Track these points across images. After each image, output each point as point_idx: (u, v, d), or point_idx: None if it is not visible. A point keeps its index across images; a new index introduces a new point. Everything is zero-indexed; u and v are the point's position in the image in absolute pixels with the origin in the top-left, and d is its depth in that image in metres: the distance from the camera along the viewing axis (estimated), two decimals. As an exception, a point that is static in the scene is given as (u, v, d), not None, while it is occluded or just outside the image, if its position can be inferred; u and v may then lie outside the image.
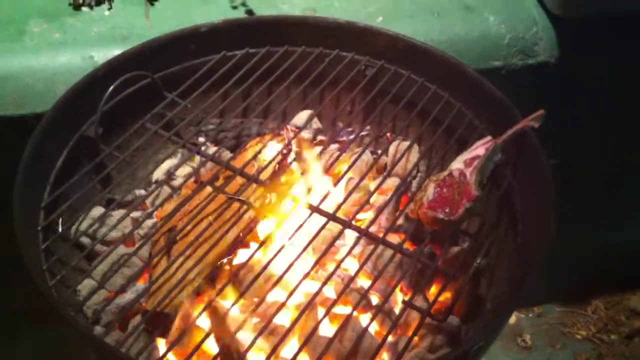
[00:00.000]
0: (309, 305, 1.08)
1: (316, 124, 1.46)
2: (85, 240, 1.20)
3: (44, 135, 1.15)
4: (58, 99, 1.19)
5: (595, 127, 1.71)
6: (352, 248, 1.14)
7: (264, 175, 1.23)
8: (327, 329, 1.19)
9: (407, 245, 1.27)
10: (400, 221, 1.29)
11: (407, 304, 1.06)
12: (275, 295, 1.18)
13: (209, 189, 1.23)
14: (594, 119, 1.70)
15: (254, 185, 1.21)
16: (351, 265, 1.31)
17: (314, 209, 1.16)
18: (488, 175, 1.19)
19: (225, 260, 1.19)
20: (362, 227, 1.17)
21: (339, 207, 1.18)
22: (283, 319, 1.18)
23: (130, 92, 1.26)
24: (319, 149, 1.38)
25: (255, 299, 1.18)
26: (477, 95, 1.29)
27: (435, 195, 1.13)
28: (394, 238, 1.26)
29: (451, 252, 1.27)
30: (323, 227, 1.15)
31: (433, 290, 1.30)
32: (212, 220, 1.16)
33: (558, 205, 1.12)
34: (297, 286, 1.09)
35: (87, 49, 1.41)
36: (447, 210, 1.11)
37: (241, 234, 1.20)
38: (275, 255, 1.12)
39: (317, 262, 1.12)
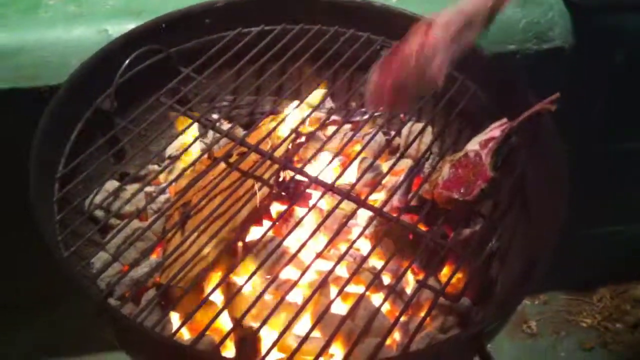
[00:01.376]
0: (322, 284, 1.09)
1: (330, 103, 1.45)
2: (99, 213, 1.20)
3: (59, 107, 1.15)
4: (74, 71, 1.18)
5: (607, 115, 1.71)
6: (365, 227, 1.14)
7: (278, 153, 1.22)
8: (339, 308, 1.19)
9: (421, 227, 1.28)
10: (413, 202, 1.29)
11: (421, 284, 1.06)
12: (288, 274, 1.19)
13: (222, 165, 1.23)
14: (607, 107, 1.69)
15: (268, 162, 1.21)
16: (363, 245, 1.31)
17: (328, 188, 1.16)
18: (502, 158, 1.18)
19: (238, 236, 1.19)
20: (376, 207, 1.17)
21: (352, 186, 1.18)
22: (296, 297, 1.19)
23: (145, 67, 1.26)
24: (332, 128, 1.38)
25: (268, 277, 1.18)
26: (492, 79, 1.29)
27: (451, 176, 1.13)
28: (407, 219, 1.26)
29: (464, 233, 1.27)
30: (337, 206, 1.15)
31: (445, 271, 1.30)
32: (226, 197, 1.16)
33: (570, 191, 1.12)
34: (310, 264, 1.09)
35: (101, 23, 1.40)
36: (462, 190, 1.11)
37: (255, 211, 1.20)
38: (289, 233, 1.12)
39: (330, 242, 1.12)
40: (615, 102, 1.71)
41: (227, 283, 1.16)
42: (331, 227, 1.22)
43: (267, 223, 1.26)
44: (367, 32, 1.39)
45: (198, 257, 1.09)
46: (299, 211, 1.28)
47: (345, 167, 1.22)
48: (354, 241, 1.12)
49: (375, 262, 1.28)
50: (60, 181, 1.13)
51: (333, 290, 1.21)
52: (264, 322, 1.03)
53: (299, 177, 1.21)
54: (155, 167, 1.33)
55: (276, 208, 1.31)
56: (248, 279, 1.07)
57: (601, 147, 1.81)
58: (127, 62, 1.19)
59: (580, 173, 1.74)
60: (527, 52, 1.56)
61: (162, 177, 1.31)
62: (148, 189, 1.27)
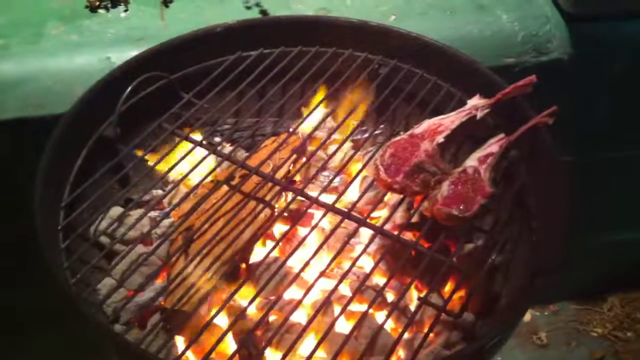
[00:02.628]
0: (325, 303, 1.10)
1: (330, 122, 1.47)
2: (104, 239, 1.22)
3: (63, 136, 1.17)
4: (77, 99, 1.20)
5: (608, 125, 1.72)
6: (367, 246, 1.15)
7: (279, 174, 1.24)
8: (344, 327, 1.20)
9: (422, 243, 1.29)
10: (414, 219, 1.30)
11: (423, 301, 1.07)
12: (292, 294, 1.20)
13: (225, 188, 1.25)
14: (607, 117, 1.70)
15: (269, 184, 1.22)
16: (366, 263, 1.32)
17: (329, 208, 1.17)
18: (502, 172, 1.19)
19: (241, 258, 1.20)
20: (377, 224, 1.18)
21: (353, 205, 1.19)
22: (300, 317, 1.20)
23: (148, 93, 1.28)
24: (334, 147, 1.40)
25: (272, 297, 1.20)
26: (490, 94, 1.30)
27: (450, 192, 1.14)
28: (408, 236, 1.28)
29: (466, 249, 1.28)
30: (338, 225, 1.17)
31: (448, 287, 1.31)
32: (228, 219, 1.18)
33: (571, 202, 1.12)
34: (313, 284, 1.10)
35: (103, 50, 1.43)
36: (461, 207, 1.12)
37: (258, 233, 1.21)
38: (291, 253, 1.13)
39: (333, 260, 1.13)
40: (616, 110, 1.72)
41: (231, 305, 1.17)
42: (334, 247, 1.24)
43: (270, 244, 1.27)
44: (364, 52, 1.41)
45: (201, 280, 1.11)
46: (302, 232, 1.30)
47: (346, 186, 1.24)
48: (356, 259, 1.13)
49: (379, 279, 1.29)
50: (65, 209, 1.15)
51: (337, 309, 1.22)
52: (267, 344, 1.04)
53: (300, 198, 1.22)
54: (159, 192, 1.35)
55: (279, 229, 1.33)
56: (251, 301, 1.08)
57: (605, 155, 1.82)
58: (129, 88, 1.20)
59: (586, 182, 1.76)
60: (525, 65, 1.58)
61: (165, 201, 1.33)
62: (152, 214, 1.28)
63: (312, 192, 1.23)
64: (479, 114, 1.24)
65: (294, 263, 1.22)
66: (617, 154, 1.82)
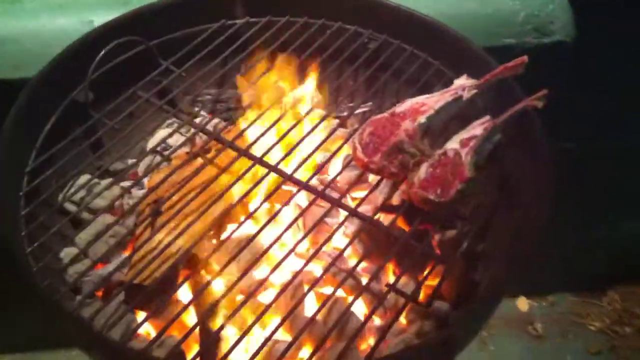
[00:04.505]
0: (291, 284, 1.06)
1: (316, 97, 1.42)
2: (71, 207, 1.18)
3: (30, 98, 1.13)
4: (48, 62, 1.16)
5: (610, 111, 1.65)
6: (339, 226, 1.11)
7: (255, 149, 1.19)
8: (313, 309, 1.16)
9: (402, 227, 1.24)
10: (396, 201, 1.25)
11: (391, 287, 1.03)
12: (264, 273, 1.16)
13: (200, 160, 1.21)
14: (610, 103, 1.63)
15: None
16: (344, 245, 1.28)
17: (302, 186, 1.13)
18: (486, 156, 1.14)
19: (211, 233, 1.16)
20: (350, 206, 1.13)
21: (328, 184, 1.15)
22: (269, 298, 1.16)
23: (125, 59, 1.24)
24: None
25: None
26: (482, 73, 1.24)
27: (428, 175, 1.09)
28: (389, 219, 1.23)
29: (446, 235, 1.24)
30: (311, 204, 1.13)
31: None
32: (198, 192, 1.14)
33: (553, 189, 1.07)
34: (280, 262, 1.06)
35: (86, 13, 1.39)
36: (438, 191, 1.07)
37: (230, 208, 1.17)
38: (260, 230, 1.09)
39: (302, 238, 1.09)
40: (617, 98, 1.65)
41: (196, 281, 1.13)
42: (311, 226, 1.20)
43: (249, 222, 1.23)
44: (354, 25, 1.35)
45: (165, 254, 1.07)
46: (283, 210, 1.25)
47: (322, 163, 1.19)
48: (326, 240, 1.09)
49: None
50: (31, 175, 1.11)
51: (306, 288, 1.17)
52: (226, 321, 1.01)
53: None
54: (133, 161, 1.31)
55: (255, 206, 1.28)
56: (215, 276, 1.04)
57: (606, 143, 1.75)
58: (102, 53, 1.16)
59: (585, 170, 1.69)
60: (525, 46, 1.51)
61: (140, 171, 1.29)
62: (124, 183, 1.25)
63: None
64: (466, 95, 1.18)
65: (268, 242, 1.18)
66: (619, 142, 1.74)
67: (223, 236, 1.21)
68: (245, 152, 1.17)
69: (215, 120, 1.32)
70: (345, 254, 1.21)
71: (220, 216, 1.15)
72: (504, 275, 1.10)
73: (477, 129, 1.13)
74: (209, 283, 1.05)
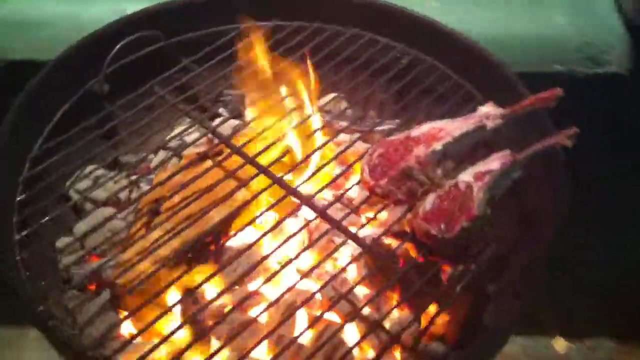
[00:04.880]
0: (278, 300, 1.01)
1: (342, 107, 1.36)
2: (75, 196, 1.17)
3: (41, 85, 1.12)
4: (63, 50, 1.16)
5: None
6: (335, 248, 1.06)
7: (263, 158, 1.15)
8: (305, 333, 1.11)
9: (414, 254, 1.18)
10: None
11: (375, 325, 0.97)
12: (261, 287, 1.12)
13: (209, 162, 1.18)
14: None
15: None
16: (352, 269, 1.22)
17: (304, 201, 1.08)
18: (501, 193, 1.06)
19: (209, 239, 1.13)
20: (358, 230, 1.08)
21: (331, 203, 1.09)
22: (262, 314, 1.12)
23: (144, 54, 1.22)
24: (344, 136, 1.30)
25: (236, 287, 1.12)
26: (514, 102, 1.16)
27: (434, 207, 1.02)
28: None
29: (456, 270, 1.16)
30: (309, 222, 1.08)
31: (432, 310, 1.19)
32: (199, 195, 1.10)
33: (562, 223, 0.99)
34: (273, 275, 1.02)
35: (121, 2, 1.38)
36: (442, 225, 1.00)
37: (231, 215, 1.13)
38: (256, 241, 1.06)
39: (298, 255, 1.05)
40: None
41: (187, 288, 1.10)
42: (319, 245, 1.15)
43: (251, 230, 1.19)
44: (386, 39, 1.29)
45: (154, 256, 1.05)
46: (289, 222, 1.21)
47: (334, 178, 1.14)
48: (323, 260, 1.04)
49: (361, 289, 1.19)
50: (32, 161, 1.11)
51: (301, 312, 1.13)
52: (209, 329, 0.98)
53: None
54: (143, 155, 1.29)
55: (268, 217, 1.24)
56: (203, 282, 1.01)
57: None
58: (118, 46, 1.15)
59: (626, 210, 1.57)
60: (577, 76, 1.41)
61: (152, 166, 1.27)
62: (134, 177, 1.23)
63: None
64: (490, 124, 1.10)
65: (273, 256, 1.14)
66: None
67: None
68: (251, 161, 1.13)
69: (234, 122, 1.28)
70: (351, 277, 1.17)
71: (219, 223, 1.12)
72: (508, 315, 1.03)
73: (494, 162, 1.05)
74: (192, 290, 1.02)
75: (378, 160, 1.08)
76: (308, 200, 1.08)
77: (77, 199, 1.17)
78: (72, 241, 1.12)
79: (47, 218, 1.06)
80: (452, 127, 1.10)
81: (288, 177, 1.19)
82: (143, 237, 1.08)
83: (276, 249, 1.04)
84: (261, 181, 1.14)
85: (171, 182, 1.15)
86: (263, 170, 1.12)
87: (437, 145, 1.07)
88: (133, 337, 0.96)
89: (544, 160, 1.07)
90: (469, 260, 1.14)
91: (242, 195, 1.15)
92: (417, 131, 1.10)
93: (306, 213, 1.21)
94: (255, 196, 1.10)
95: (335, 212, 1.14)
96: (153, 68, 1.22)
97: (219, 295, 1.01)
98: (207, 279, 1.02)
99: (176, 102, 1.19)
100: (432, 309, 1.15)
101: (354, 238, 1.05)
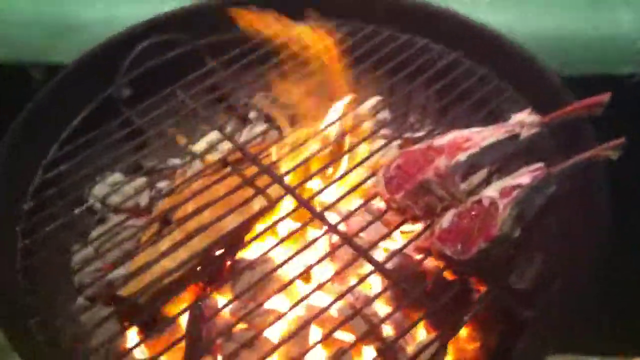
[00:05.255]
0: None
1: (383, 114, 1.28)
2: (93, 201, 1.16)
3: (57, 88, 1.11)
4: (83, 53, 1.14)
5: None
6: (361, 280, 0.97)
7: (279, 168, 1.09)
8: (319, 353, 1.05)
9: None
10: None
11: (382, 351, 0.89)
12: (276, 304, 1.06)
13: (227, 170, 1.13)
14: None
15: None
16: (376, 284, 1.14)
17: (331, 228, 1.01)
18: (533, 212, 0.94)
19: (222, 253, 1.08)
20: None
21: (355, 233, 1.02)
22: (273, 332, 1.05)
23: (169, 56, 1.19)
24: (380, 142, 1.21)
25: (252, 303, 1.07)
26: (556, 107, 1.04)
27: (451, 225, 0.92)
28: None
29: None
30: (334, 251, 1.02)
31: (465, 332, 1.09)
32: (214, 203, 1.06)
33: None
34: (281, 288, 0.97)
35: (158, 4, 1.34)
36: (458, 246, 0.90)
37: (246, 224, 1.08)
38: (266, 252, 1.00)
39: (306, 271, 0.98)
40: None
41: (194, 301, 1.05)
42: (342, 258, 1.08)
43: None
44: (426, 39, 1.20)
45: (161, 267, 1.01)
46: (312, 234, 1.14)
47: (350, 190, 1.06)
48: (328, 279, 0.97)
49: (384, 308, 1.11)
50: (46, 168, 1.09)
51: (317, 330, 1.06)
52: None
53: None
54: (175, 161, 1.26)
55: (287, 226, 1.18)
56: (227, 304, 0.96)
57: None
58: (138, 49, 1.12)
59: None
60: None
61: (179, 173, 1.23)
62: (160, 184, 1.20)
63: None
64: (524, 133, 0.99)
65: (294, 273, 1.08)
66: None
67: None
68: (267, 170, 1.07)
69: (259, 129, 1.23)
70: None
71: (231, 232, 1.07)
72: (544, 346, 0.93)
73: (524, 176, 0.94)
74: (197, 305, 0.98)
75: (395, 172, 0.99)
76: (333, 226, 1.01)
77: (95, 204, 1.15)
78: (86, 249, 1.10)
79: (54, 224, 1.04)
80: (480, 137, 0.99)
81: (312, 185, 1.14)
82: (151, 247, 1.04)
83: (283, 263, 0.98)
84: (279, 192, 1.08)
85: (187, 189, 1.11)
86: (278, 180, 1.06)
87: (461, 157, 0.97)
88: (131, 348, 0.93)
89: (584, 173, 0.95)
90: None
91: (258, 204, 1.10)
92: (440, 140, 1.00)
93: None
94: (270, 206, 1.04)
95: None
96: (178, 72, 1.18)
97: (219, 310, 0.97)
98: (208, 294, 0.98)
99: (195, 106, 1.14)
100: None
101: (381, 269, 0.96)
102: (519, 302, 1.00)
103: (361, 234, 1.05)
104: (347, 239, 0.99)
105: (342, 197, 1.05)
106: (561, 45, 1.16)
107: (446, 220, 0.93)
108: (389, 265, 0.99)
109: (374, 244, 1.00)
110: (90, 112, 1.15)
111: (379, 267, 0.97)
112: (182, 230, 1.05)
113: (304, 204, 1.03)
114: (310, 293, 0.96)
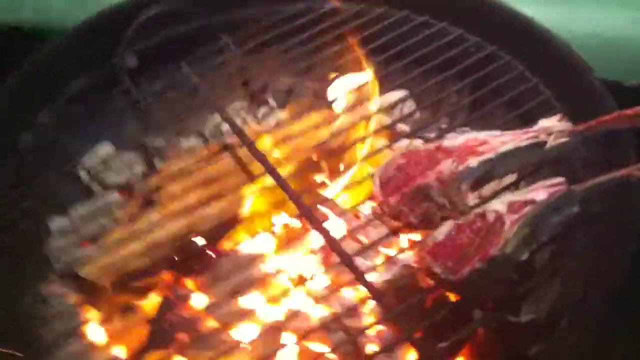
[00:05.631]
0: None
1: (408, 108, 1.15)
2: (83, 175, 1.09)
3: (60, 50, 1.05)
4: (85, 19, 1.08)
5: None
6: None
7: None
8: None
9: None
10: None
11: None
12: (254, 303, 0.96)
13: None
14: None
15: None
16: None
17: (319, 228, 0.89)
18: (548, 234, 0.80)
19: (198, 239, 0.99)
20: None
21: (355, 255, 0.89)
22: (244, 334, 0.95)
23: (185, 29, 1.11)
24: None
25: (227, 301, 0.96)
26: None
27: (447, 238, 0.79)
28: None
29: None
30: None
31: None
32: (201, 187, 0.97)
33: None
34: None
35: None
36: (449, 263, 0.77)
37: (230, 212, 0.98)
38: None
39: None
40: None
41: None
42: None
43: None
44: (461, 29, 1.07)
45: (129, 250, 0.93)
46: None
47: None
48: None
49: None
50: (36, 131, 1.03)
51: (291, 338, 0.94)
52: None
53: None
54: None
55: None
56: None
57: None
58: (143, 17, 1.03)
59: None
60: None
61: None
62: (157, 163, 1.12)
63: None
64: (551, 141, 0.84)
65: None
66: None
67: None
68: (260, 158, 0.96)
69: (274, 113, 1.13)
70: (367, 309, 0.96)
71: (214, 219, 0.97)
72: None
73: (540, 191, 0.79)
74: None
75: (393, 173, 0.86)
76: (321, 228, 0.89)
77: (85, 178, 1.08)
78: (65, 223, 1.03)
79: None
80: (498, 142, 0.85)
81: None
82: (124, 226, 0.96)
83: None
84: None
85: (177, 169, 1.03)
86: (270, 170, 0.95)
87: (473, 162, 0.83)
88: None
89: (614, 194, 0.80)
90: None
91: (249, 192, 1.00)
92: (451, 141, 0.87)
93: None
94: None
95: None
96: (188, 47, 1.10)
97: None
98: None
99: (196, 82, 1.05)
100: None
101: (360, 279, 0.84)
102: (528, 334, 0.87)
103: (362, 237, 0.95)
104: (332, 242, 0.87)
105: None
106: (615, 48, 1.00)
107: (442, 232, 0.80)
108: (376, 275, 0.88)
109: (359, 251, 0.88)
110: (90, 80, 1.08)
111: (357, 277, 0.84)
112: (162, 212, 0.97)
113: (294, 199, 0.92)
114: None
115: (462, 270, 0.76)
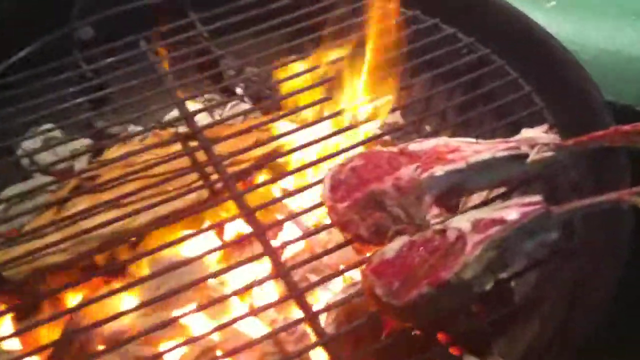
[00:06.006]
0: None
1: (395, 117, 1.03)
2: (20, 154, 0.99)
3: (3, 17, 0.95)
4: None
5: None
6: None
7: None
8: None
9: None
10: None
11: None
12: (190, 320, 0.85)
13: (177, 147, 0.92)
14: None
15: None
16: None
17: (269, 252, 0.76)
18: (524, 263, 0.67)
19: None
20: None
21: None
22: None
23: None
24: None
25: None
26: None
27: (397, 256, 0.67)
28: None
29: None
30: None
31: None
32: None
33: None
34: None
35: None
36: (395, 285, 0.64)
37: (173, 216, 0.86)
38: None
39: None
40: None
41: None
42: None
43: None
44: (454, 29, 0.95)
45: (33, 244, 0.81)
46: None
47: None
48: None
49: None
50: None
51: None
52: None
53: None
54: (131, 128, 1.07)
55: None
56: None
57: None
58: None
59: None
60: None
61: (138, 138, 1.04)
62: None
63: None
64: (533, 155, 0.72)
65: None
66: None
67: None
68: (204, 146, 0.85)
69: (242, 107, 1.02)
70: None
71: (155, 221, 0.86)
72: None
73: (511, 209, 0.66)
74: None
75: (346, 175, 0.74)
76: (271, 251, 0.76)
77: (22, 159, 0.97)
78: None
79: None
80: (471, 150, 0.73)
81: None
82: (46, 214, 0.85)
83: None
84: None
85: (120, 157, 0.91)
86: (227, 178, 0.82)
87: (438, 171, 0.71)
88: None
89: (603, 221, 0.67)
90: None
91: (198, 196, 0.88)
92: (418, 145, 0.75)
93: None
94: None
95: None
96: (150, 22, 1.00)
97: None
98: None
99: (159, 62, 0.95)
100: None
101: (310, 319, 0.71)
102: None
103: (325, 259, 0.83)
104: (282, 271, 0.74)
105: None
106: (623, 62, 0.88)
107: (392, 248, 0.67)
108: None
109: (310, 286, 0.75)
110: (38, 50, 0.98)
111: (307, 317, 0.71)
112: (92, 200, 0.85)
113: (246, 214, 0.79)
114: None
115: (407, 295, 0.63)
